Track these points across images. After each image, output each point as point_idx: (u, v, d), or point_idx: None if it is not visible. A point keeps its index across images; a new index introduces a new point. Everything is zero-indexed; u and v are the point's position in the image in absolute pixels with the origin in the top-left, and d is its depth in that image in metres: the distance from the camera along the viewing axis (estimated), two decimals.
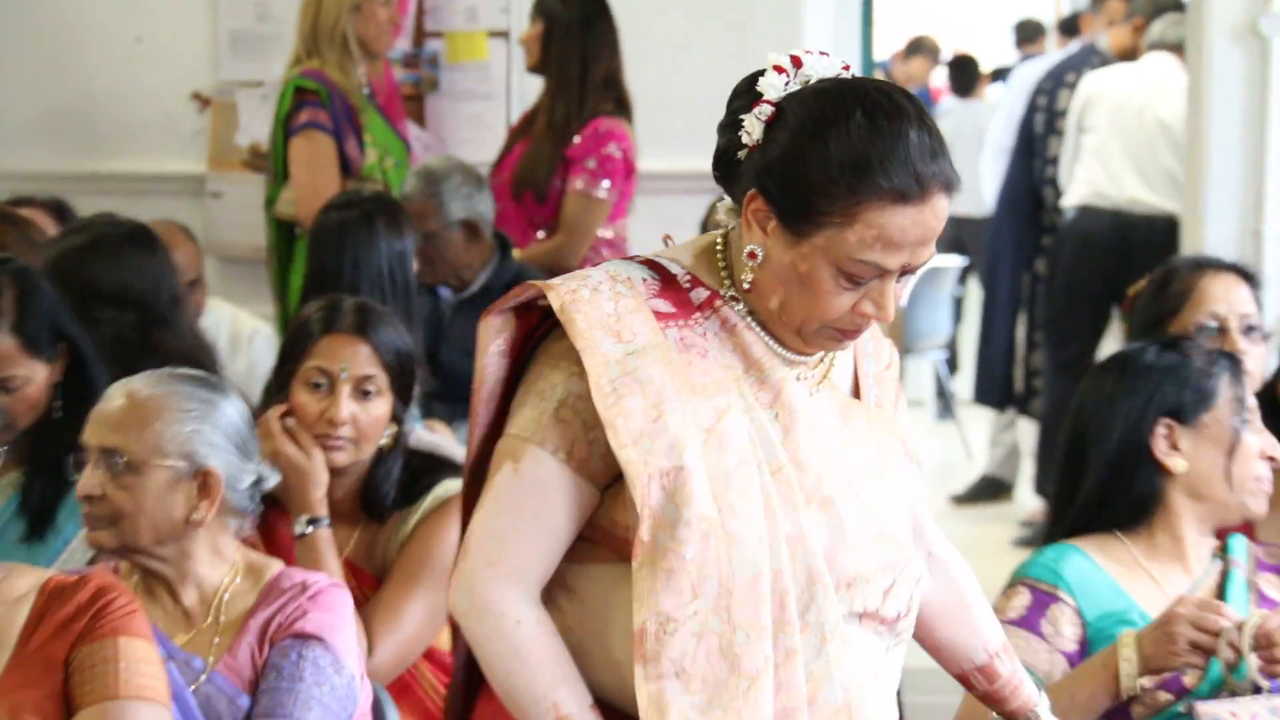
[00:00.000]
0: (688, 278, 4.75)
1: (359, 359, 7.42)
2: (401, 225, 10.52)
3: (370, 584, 7.30)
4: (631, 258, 5.10)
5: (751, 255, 4.55)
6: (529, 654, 4.76)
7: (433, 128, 14.03)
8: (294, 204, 12.14)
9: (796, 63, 4.47)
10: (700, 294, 4.71)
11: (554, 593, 4.84)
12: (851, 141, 4.45)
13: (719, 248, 4.76)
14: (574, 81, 12.36)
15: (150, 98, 14.56)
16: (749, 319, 4.67)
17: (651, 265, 4.85)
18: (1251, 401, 6.46)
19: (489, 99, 14.16)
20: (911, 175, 4.42)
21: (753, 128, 4.49)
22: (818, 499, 4.67)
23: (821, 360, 4.83)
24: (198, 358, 8.54)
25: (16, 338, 7.56)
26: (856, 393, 4.97)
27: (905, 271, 4.52)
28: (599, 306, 4.72)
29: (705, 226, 10.67)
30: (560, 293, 4.79)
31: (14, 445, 6.42)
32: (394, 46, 13.41)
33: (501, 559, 4.76)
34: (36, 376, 7.56)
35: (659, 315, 4.70)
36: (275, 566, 6.36)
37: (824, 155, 4.43)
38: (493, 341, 4.90)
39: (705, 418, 4.59)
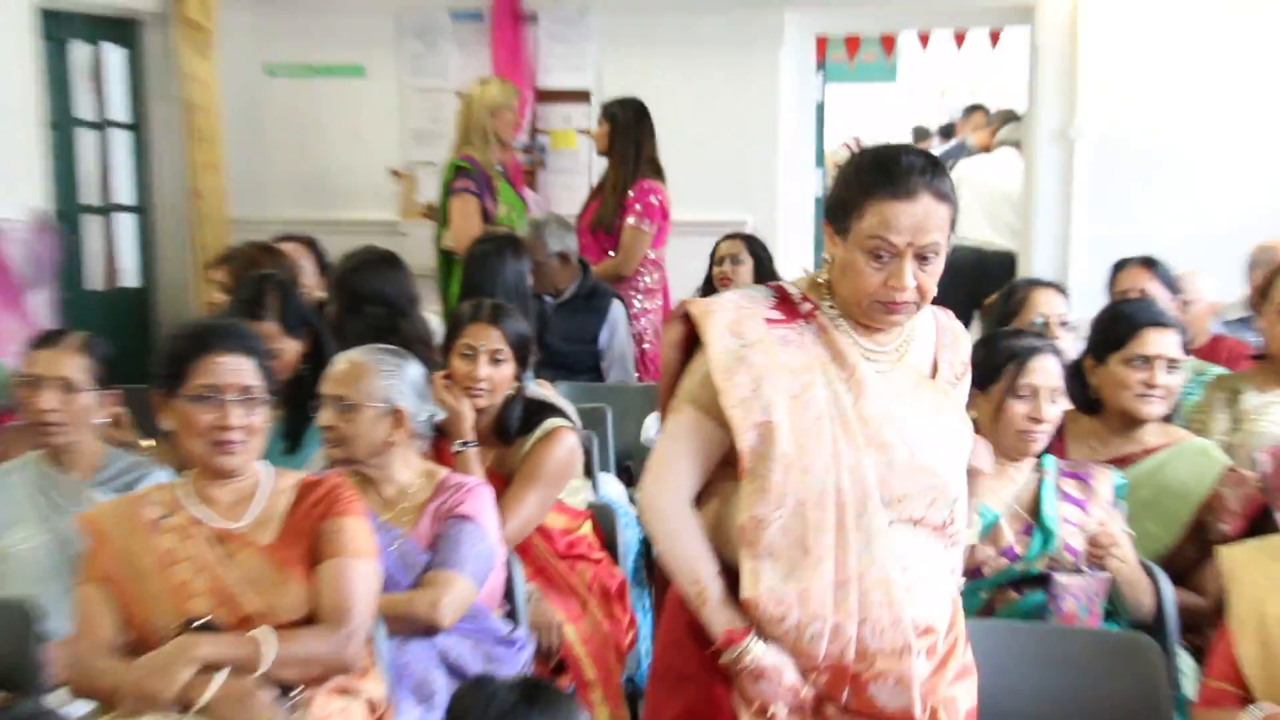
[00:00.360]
0: (800, 296, 5.06)
1: (492, 338, 7.55)
2: (521, 254, 10.65)
3: (502, 484, 7.22)
4: (764, 283, 5.48)
5: (825, 261, 5.06)
6: (679, 538, 5.21)
7: (540, 191, 14.21)
8: (453, 241, 12.30)
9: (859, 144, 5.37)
10: (805, 306, 5.02)
11: (709, 497, 5.16)
12: (864, 165, 4.94)
13: (824, 278, 5.05)
14: (629, 159, 12.40)
15: (363, 170, 14.74)
16: (838, 322, 4.94)
17: (777, 289, 5.18)
18: (1043, 380, 6.46)
19: (575, 172, 14.24)
20: (902, 181, 4.77)
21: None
22: (876, 443, 4.89)
23: (896, 350, 5.03)
24: (423, 338, 9.01)
25: (278, 324, 8.27)
26: (935, 373, 5.15)
27: (918, 255, 4.79)
28: (724, 315, 5.08)
29: (711, 256, 11.37)
30: (698, 308, 5.27)
31: (277, 393, 6.10)
32: (517, 139, 13.52)
33: (664, 477, 5.24)
34: (290, 349, 8.23)
35: (770, 321, 5.02)
36: (443, 472, 6.73)
37: (849, 177, 4.97)
38: (669, 341, 5.35)
39: (793, 388, 4.90)
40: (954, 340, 5.16)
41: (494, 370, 7.49)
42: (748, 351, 4.93)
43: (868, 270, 4.73)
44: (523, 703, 4.08)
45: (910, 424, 4.90)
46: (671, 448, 5.19)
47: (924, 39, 16.41)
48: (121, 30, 14.20)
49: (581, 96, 14.19)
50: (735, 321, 5.01)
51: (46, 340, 6.99)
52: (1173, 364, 7.12)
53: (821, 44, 14.87)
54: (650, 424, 9.22)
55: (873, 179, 4.81)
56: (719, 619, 4.97)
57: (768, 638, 4.90)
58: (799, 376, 4.90)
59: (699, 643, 5.04)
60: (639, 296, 12.33)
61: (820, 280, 5.04)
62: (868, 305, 4.78)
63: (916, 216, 4.68)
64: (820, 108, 15.04)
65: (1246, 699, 5.11)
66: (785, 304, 5.04)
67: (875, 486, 4.84)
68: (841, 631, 4.86)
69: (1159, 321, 7.31)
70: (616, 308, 11.57)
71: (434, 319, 10.24)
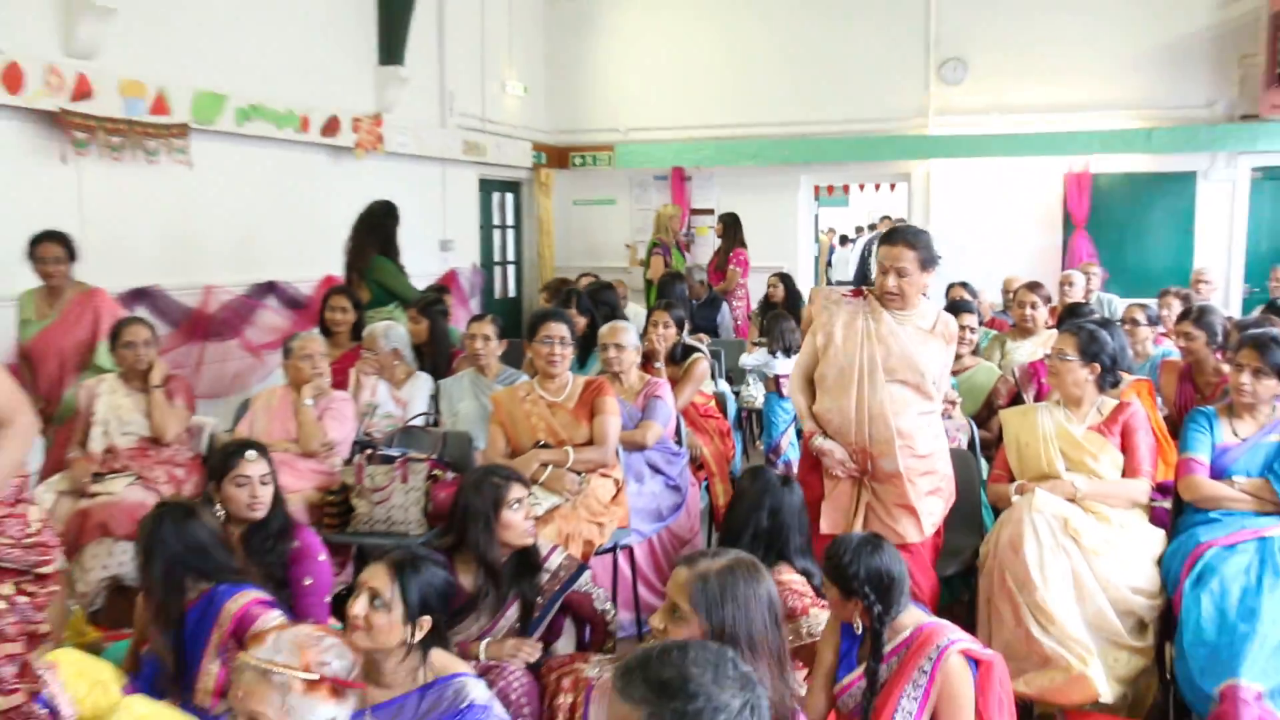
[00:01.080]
0: (864, 290, 4.97)
1: (666, 320, 7.12)
2: (682, 281, 10.15)
3: (674, 383, 6.67)
4: (795, 298, 6.04)
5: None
6: (796, 395, 5.06)
7: (691, 252, 13.01)
8: (651, 275, 11.80)
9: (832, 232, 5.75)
10: (862, 295, 4.93)
11: (816, 386, 4.96)
12: (881, 233, 5.41)
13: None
14: (730, 239, 11.90)
15: (615, 245, 14.03)
16: (877, 302, 4.81)
17: (854, 290, 5.10)
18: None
19: (707, 245, 13.11)
20: (888, 238, 4.79)
21: None
22: (884, 344, 4.76)
23: (906, 315, 4.81)
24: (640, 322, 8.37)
25: (576, 310, 7.64)
26: (932, 330, 4.87)
27: (896, 271, 4.76)
28: (826, 296, 5.14)
29: (768, 284, 10.79)
30: (814, 291, 5.95)
31: (576, 341, 5.91)
32: (681, 230, 12.82)
33: (795, 376, 5.11)
34: (581, 322, 7.41)
35: (845, 296, 5.01)
36: (647, 376, 6.37)
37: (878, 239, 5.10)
38: (809, 308, 5.56)
39: (846, 319, 4.84)
40: (945, 324, 4.93)
41: (667, 331, 7.20)
42: (832, 306, 4.98)
43: (880, 279, 4.83)
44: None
45: (902, 340, 4.79)
46: (798, 359, 5.16)
47: (861, 187, 15.34)
48: (513, 186, 13.89)
49: (709, 212, 13.53)
50: (829, 294, 5.14)
51: (477, 319, 6.79)
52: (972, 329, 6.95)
53: (816, 189, 14.14)
54: (744, 358, 8.26)
55: (882, 238, 4.95)
56: (808, 426, 4.98)
57: (827, 434, 4.91)
58: (851, 316, 4.90)
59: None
60: (736, 302, 11.75)
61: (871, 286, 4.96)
62: (881, 294, 4.82)
63: (891, 254, 4.74)
64: (816, 216, 14.18)
65: (1012, 478, 5.06)
66: (854, 293, 5.03)
67: (880, 363, 4.80)
68: (861, 430, 4.83)
69: (969, 309, 7.13)
70: (724, 306, 11.25)
71: (641, 312, 9.75)
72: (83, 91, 7.60)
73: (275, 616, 3.85)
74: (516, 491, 4.26)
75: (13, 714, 3.34)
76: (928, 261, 4.84)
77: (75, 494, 5.71)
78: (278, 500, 4.57)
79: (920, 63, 12.81)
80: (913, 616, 3.54)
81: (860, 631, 3.54)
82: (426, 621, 3.39)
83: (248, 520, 4.47)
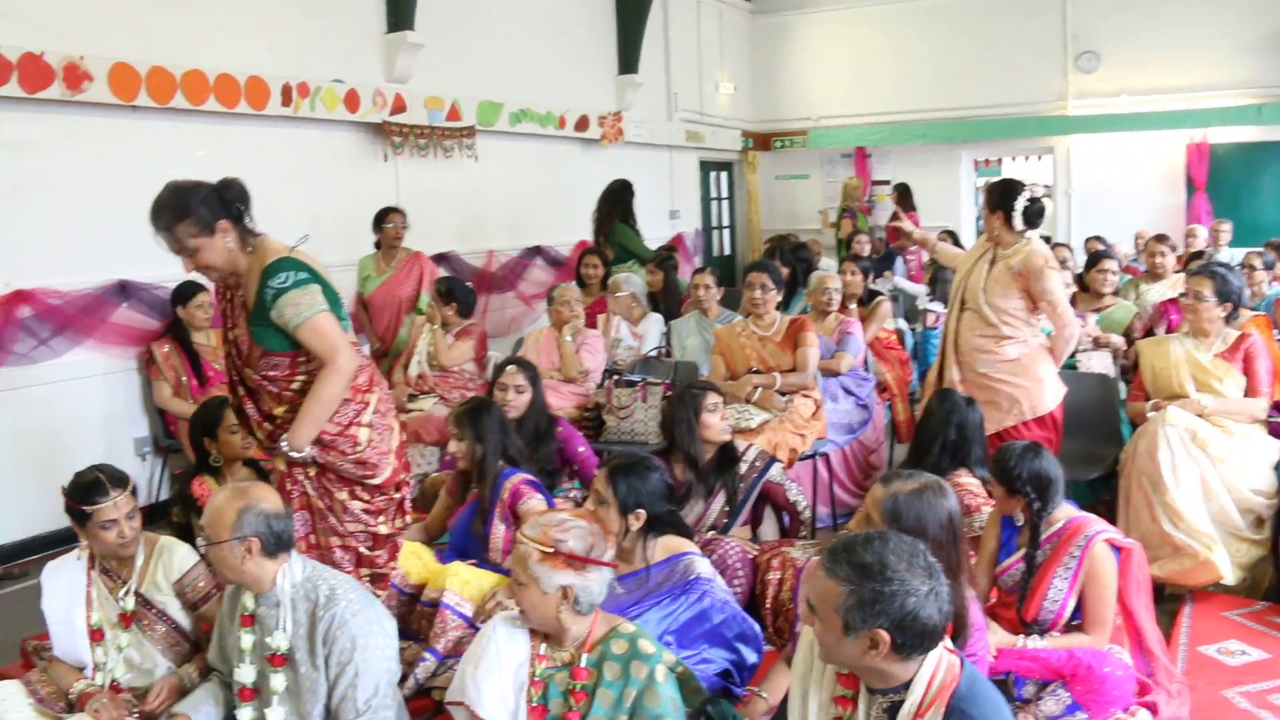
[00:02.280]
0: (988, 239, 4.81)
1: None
2: (860, 231, 10.08)
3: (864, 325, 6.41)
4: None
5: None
6: None
7: (873, 217, 12.64)
8: (843, 235, 11.65)
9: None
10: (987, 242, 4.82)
11: None
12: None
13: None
14: (904, 203, 11.26)
15: (809, 212, 13.79)
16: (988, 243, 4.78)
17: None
18: None
19: (885, 209, 12.60)
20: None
21: None
22: (966, 281, 4.79)
23: (1005, 254, 4.69)
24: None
25: (782, 265, 7.15)
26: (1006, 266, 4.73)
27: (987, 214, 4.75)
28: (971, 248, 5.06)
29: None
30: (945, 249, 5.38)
31: (780, 286, 5.69)
32: (864, 198, 12.64)
33: None
34: (786, 272, 6.89)
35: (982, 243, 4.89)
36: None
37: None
38: None
39: (963, 264, 4.86)
40: (1024, 259, 4.63)
41: (854, 279, 6.93)
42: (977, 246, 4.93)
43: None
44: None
45: (979, 274, 4.68)
46: None
47: (1013, 159, 14.16)
48: (726, 165, 13.63)
49: (886, 183, 12.96)
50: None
51: (699, 271, 6.64)
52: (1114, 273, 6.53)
53: (975, 162, 13.37)
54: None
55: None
56: None
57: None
58: (984, 250, 4.79)
59: None
60: (909, 255, 10.73)
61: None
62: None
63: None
64: (976, 187, 13.33)
65: (1147, 398, 4.83)
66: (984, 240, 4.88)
67: (957, 293, 4.81)
68: (950, 335, 4.82)
69: (1109, 256, 6.71)
70: (898, 259, 10.22)
71: (833, 265, 9.38)
72: (399, 107, 7.97)
73: (538, 499, 3.99)
74: (712, 398, 4.29)
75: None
76: (994, 204, 4.72)
77: (397, 410, 5.86)
78: (534, 405, 4.70)
79: (1059, 55, 12.31)
80: (1065, 511, 3.42)
81: (1020, 523, 3.45)
82: (641, 514, 3.42)
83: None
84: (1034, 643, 3.25)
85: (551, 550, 2.62)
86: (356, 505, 3.46)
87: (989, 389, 4.74)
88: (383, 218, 6.98)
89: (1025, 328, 4.79)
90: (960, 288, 4.89)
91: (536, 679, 2.68)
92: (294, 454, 3.34)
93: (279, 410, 3.39)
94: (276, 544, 2.83)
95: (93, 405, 5.94)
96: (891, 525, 2.71)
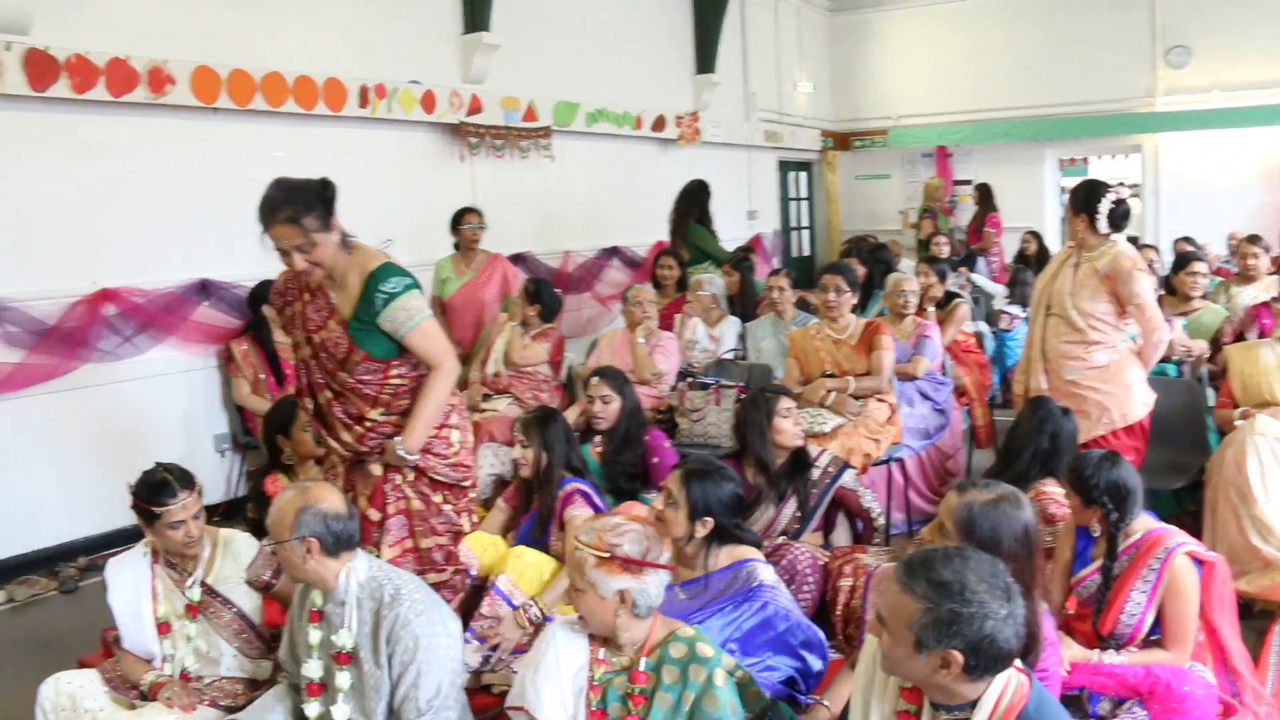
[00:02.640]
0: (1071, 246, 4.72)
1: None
2: (940, 232, 9.85)
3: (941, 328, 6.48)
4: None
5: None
6: None
7: (955, 217, 12.44)
8: (923, 236, 11.45)
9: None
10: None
11: None
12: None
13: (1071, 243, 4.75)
14: (985, 204, 11.68)
15: (889, 213, 13.50)
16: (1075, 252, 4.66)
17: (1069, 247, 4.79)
18: None
19: (966, 210, 12.59)
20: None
21: None
22: (1052, 286, 4.69)
23: (1090, 257, 4.58)
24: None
25: (859, 262, 7.51)
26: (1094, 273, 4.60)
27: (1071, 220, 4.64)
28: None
29: (1021, 243, 10.95)
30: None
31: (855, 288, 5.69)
32: (946, 197, 12.48)
33: None
34: (861, 271, 7.07)
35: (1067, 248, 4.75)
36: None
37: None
38: None
39: (1047, 269, 4.78)
40: (1111, 261, 4.46)
41: (929, 280, 6.90)
42: (1055, 259, 4.81)
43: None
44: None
45: (1065, 279, 4.59)
46: None
47: (1099, 157, 13.98)
48: (805, 165, 13.48)
49: (968, 182, 12.70)
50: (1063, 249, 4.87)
51: (775, 273, 6.66)
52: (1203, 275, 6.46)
53: (1059, 161, 13.04)
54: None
55: None
56: None
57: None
58: (1067, 254, 4.69)
59: None
60: (991, 256, 10.91)
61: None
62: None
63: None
64: (1061, 187, 13.02)
65: (1235, 405, 4.78)
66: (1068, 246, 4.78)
67: (1043, 299, 4.68)
68: (1035, 342, 4.70)
69: (1199, 258, 6.53)
70: (980, 260, 10.11)
71: (913, 266, 8.83)
72: (475, 108, 8.03)
73: (585, 510, 3.97)
74: (784, 403, 4.26)
75: (440, 586, 3.55)
76: (1078, 207, 4.58)
77: (471, 409, 5.86)
78: (624, 412, 4.69)
79: (1148, 50, 11.97)
80: (1143, 522, 3.31)
81: (1096, 534, 3.35)
82: (709, 521, 3.39)
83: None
84: (1110, 658, 3.15)
85: (607, 555, 2.62)
86: (448, 507, 3.63)
87: (1077, 397, 4.58)
88: (459, 219, 6.93)
89: (1114, 333, 4.64)
90: (1045, 293, 4.75)
91: (595, 683, 2.67)
92: (409, 457, 3.45)
93: (373, 413, 3.47)
94: (336, 544, 2.84)
95: (174, 402, 6.08)
96: (965, 535, 2.64)
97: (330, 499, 2.88)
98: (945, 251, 9.60)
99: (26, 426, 5.44)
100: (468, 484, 3.66)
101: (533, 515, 4.18)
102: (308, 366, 3.52)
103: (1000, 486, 2.78)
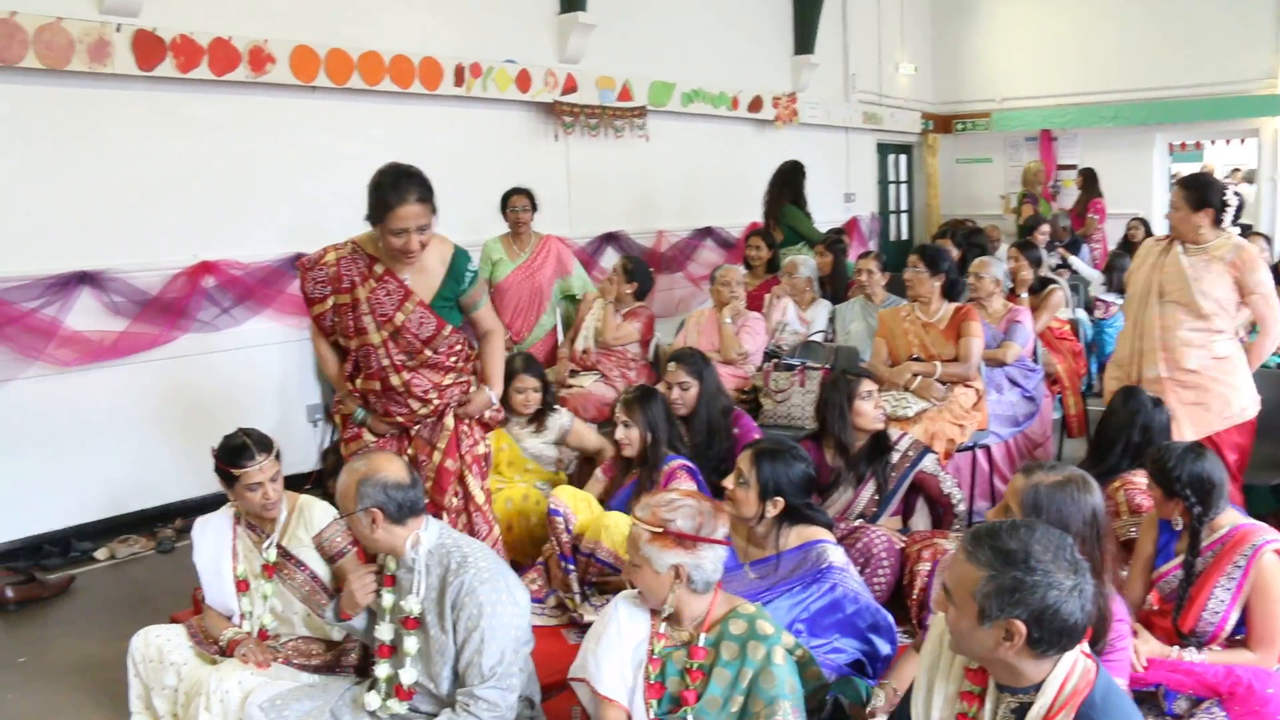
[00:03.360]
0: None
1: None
2: (1049, 223, 9.61)
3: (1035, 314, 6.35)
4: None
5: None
6: None
7: (1058, 203, 11.96)
8: (1020, 220, 10.72)
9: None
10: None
11: None
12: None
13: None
14: (1089, 189, 11.25)
15: (988, 197, 13.23)
16: (1174, 239, 4.55)
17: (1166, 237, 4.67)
18: None
19: (1070, 195, 12.11)
20: (1178, 184, 4.59)
21: None
22: (1164, 274, 4.53)
23: (1201, 248, 4.46)
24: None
25: (953, 245, 7.36)
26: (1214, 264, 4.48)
27: (1173, 207, 4.50)
28: (1144, 243, 4.86)
29: (1126, 230, 10.87)
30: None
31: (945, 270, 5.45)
32: (1049, 183, 12.16)
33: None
34: (956, 253, 6.73)
35: (1157, 241, 4.70)
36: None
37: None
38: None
39: (1143, 259, 4.65)
40: (1234, 252, 4.33)
41: (1019, 265, 6.86)
42: (1144, 249, 4.73)
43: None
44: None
45: (1181, 266, 4.41)
46: None
47: (1212, 142, 13.69)
48: (905, 148, 13.34)
49: (1072, 167, 12.32)
50: (1147, 241, 4.85)
51: (864, 255, 6.68)
52: None
53: (1170, 145, 12.63)
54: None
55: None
56: None
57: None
58: (1147, 252, 4.65)
59: None
60: (1094, 243, 10.51)
61: None
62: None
63: (1173, 195, 4.51)
64: (1170, 173, 12.65)
65: None
66: (1166, 238, 4.64)
67: (1155, 286, 4.49)
68: (1135, 341, 4.58)
69: None
70: (1084, 247, 9.85)
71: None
72: (570, 87, 8.06)
73: (688, 485, 3.98)
74: (866, 385, 4.25)
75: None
76: (1199, 203, 4.42)
77: (558, 385, 5.92)
78: (704, 396, 4.61)
79: (1268, 30, 11.48)
80: (1229, 517, 3.21)
81: (1179, 527, 3.26)
82: (779, 501, 3.38)
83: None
84: (1190, 655, 3.07)
85: (660, 530, 2.62)
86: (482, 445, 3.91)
87: (1199, 388, 4.47)
88: (507, 200, 6.58)
89: (1231, 323, 4.54)
90: (1152, 281, 4.58)
91: (655, 656, 2.68)
92: (496, 400, 3.85)
93: (447, 379, 3.68)
94: (400, 511, 2.91)
95: (269, 372, 6.24)
96: (1031, 518, 2.57)
97: (390, 469, 2.94)
98: (1045, 239, 9.33)
99: (128, 393, 5.64)
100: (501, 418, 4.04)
101: (630, 486, 4.22)
102: (385, 349, 3.59)
103: (1067, 469, 2.74)
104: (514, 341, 6.36)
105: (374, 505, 2.88)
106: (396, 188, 3.38)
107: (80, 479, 5.51)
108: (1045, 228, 9.63)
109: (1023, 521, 2.08)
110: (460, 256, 3.65)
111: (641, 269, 6.47)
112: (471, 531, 3.74)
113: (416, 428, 3.74)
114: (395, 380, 3.61)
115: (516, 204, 6.50)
